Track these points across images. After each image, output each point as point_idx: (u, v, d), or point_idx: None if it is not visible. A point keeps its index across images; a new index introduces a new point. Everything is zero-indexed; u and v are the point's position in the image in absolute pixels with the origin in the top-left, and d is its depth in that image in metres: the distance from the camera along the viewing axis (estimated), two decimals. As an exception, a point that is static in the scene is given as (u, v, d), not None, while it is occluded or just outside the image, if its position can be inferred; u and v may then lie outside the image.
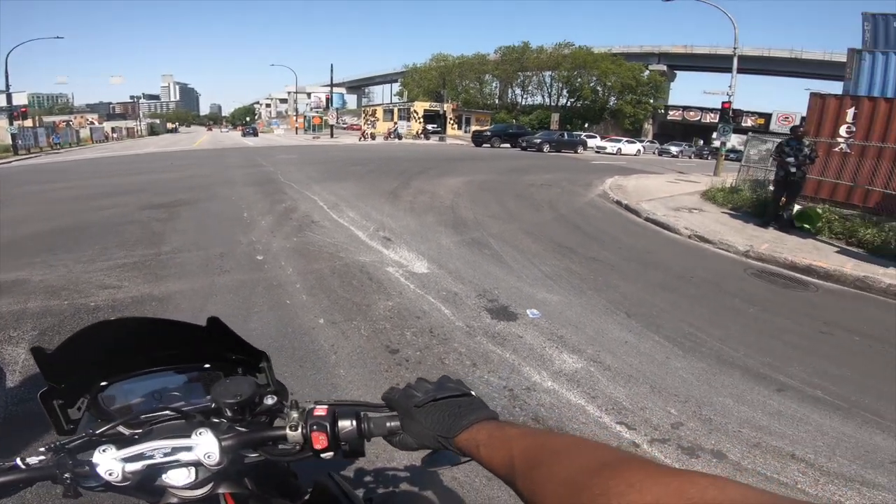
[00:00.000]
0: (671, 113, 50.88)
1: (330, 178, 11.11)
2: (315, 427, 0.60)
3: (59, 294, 4.14)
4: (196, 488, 0.62)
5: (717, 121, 22.88)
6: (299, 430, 0.61)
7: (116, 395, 0.77)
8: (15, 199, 9.50)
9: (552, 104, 53.85)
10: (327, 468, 0.85)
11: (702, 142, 43.16)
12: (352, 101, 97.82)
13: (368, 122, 53.34)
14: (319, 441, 0.60)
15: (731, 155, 21.03)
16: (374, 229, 6.17)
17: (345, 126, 61.57)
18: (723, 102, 17.37)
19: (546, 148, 26.11)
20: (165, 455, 0.59)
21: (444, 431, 0.55)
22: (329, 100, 47.36)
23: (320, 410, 0.62)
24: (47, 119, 51.31)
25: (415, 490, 1.89)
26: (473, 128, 43.17)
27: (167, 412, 0.70)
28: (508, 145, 29.52)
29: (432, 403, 0.59)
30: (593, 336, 3.50)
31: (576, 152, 27.76)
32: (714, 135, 20.93)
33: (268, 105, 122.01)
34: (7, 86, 29.22)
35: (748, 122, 39.67)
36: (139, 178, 11.84)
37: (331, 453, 0.61)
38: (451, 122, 47.82)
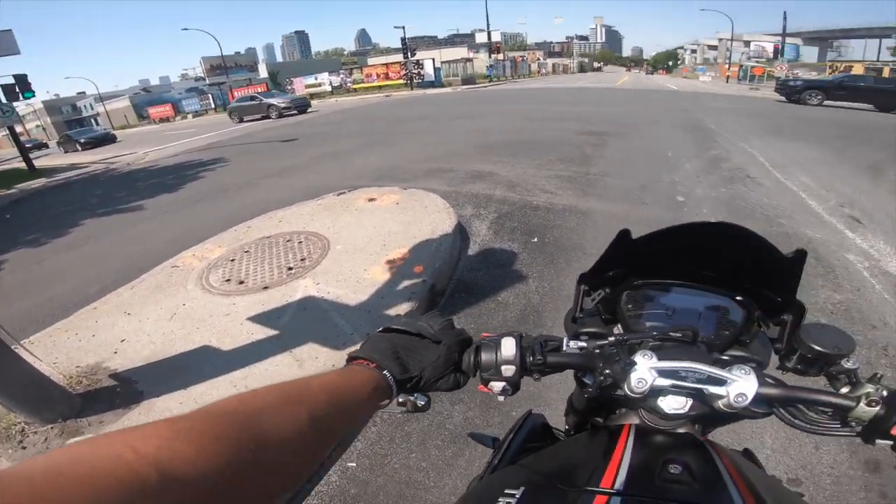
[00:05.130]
0: None
1: (774, 134, 9.04)
2: None
3: (515, 188, 5.24)
4: (672, 419, 0.58)
5: None
6: (878, 408, 0.50)
7: (635, 298, 0.72)
8: (489, 114, 12.71)
9: None
10: None
11: None
12: (810, 53, 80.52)
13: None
14: None
15: None
16: (837, 203, 4.69)
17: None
18: None
19: None
20: (696, 381, 0.53)
21: None
22: (778, 50, 39.64)
23: None
24: (509, 54, 63.83)
25: None
26: None
27: (683, 332, 0.60)
28: None
29: None
30: None
31: None
32: None
33: (693, 51, 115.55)
34: (487, 24, 38.15)
35: None
36: (575, 109, 13.28)
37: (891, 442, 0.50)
38: None
